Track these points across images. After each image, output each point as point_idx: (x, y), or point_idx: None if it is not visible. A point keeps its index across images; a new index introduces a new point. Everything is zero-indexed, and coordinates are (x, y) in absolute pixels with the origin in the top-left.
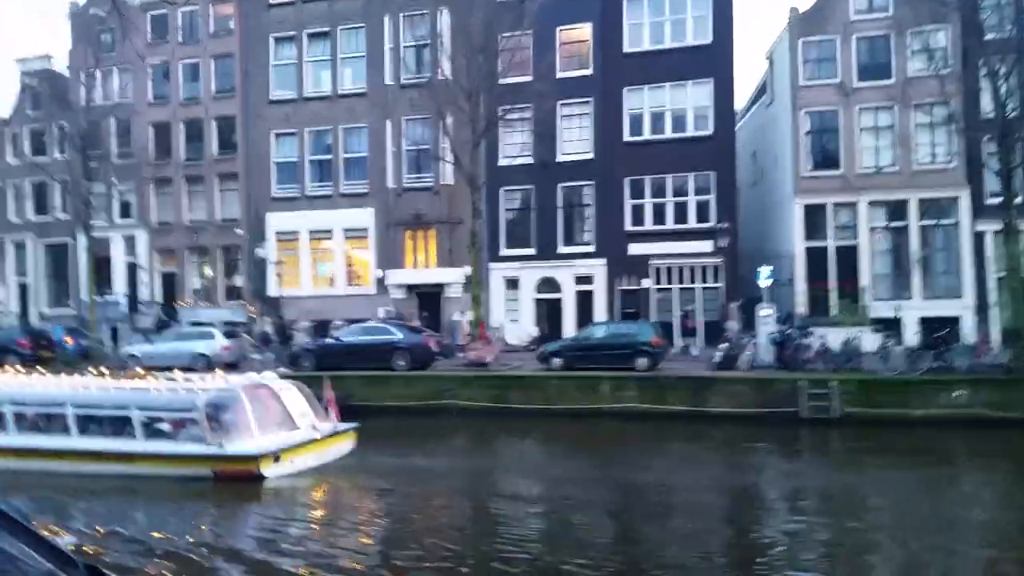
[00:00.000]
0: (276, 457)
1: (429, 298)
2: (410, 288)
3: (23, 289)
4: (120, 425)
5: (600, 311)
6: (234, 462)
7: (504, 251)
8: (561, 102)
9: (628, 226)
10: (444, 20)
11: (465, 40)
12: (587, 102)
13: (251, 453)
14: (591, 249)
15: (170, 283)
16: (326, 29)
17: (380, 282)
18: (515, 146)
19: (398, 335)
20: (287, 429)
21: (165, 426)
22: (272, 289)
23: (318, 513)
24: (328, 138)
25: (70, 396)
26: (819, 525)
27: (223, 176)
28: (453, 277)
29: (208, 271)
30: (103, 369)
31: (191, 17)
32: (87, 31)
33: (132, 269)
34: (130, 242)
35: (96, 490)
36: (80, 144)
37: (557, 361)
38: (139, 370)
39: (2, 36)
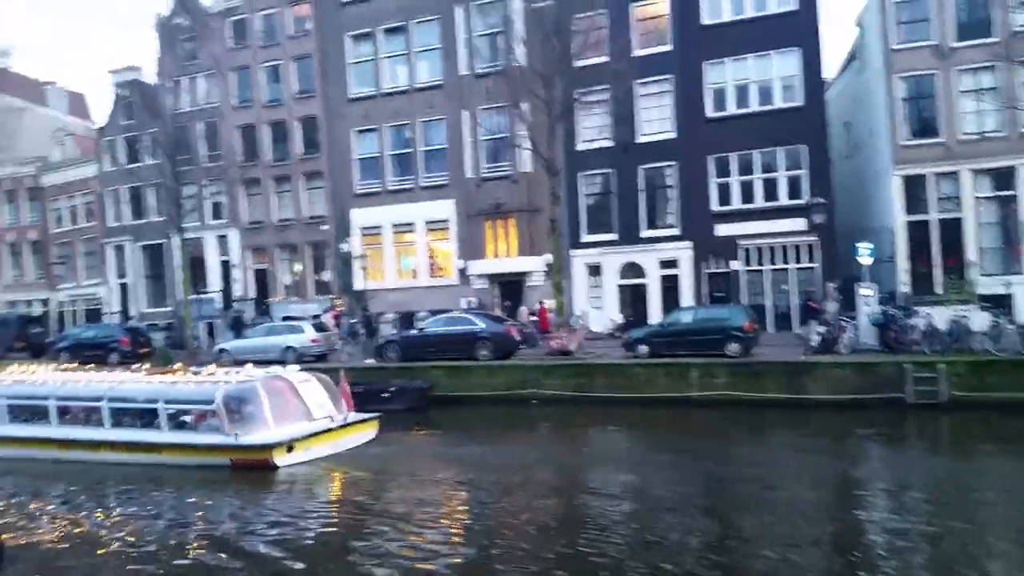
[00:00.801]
0: (289, 447)
1: (511, 287)
2: (492, 278)
3: (123, 289)
4: (150, 417)
5: (687, 296)
6: (249, 452)
7: (585, 237)
8: (639, 81)
9: (714, 206)
10: (516, 6)
11: (538, 24)
12: (666, 79)
13: (264, 443)
14: (675, 232)
15: (262, 279)
16: (400, 23)
17: (462, 273)
18: (593, 129)
19: (480, 325)
20: (303, 420)
21: (188, 418)
22: (358, 283)
23: (325, 501)
24: (407, 132)
25: (106, 391)
26: (929, 523)
27: (308, 175)
28: (534, 265)
29: (297, 267)
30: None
31: (270, 20)
32: (172, 40)
33: (226, 267)
34: (223, 241)
35: (125, 478)
36: (170, 149)
37: (643, 348)
38: (209, 366)
39: (99, 52)
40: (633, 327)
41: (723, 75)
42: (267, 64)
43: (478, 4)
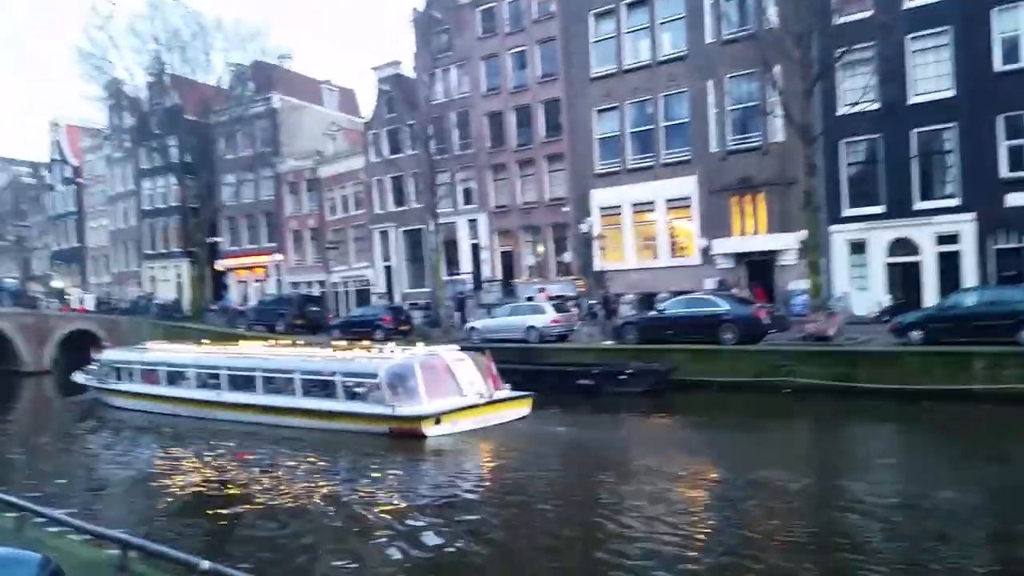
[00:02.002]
0: (437, 419)
1: (759, 267)
2: (738, 257)
3: (388, 271)
4: (331, 388)
5: (969, 275)
6: (403, 422)
7: (846, 211)
8: (911, 35)
9: (1004, 172)
10: None
11: None
12: (944, 31)
13: (416, 415)
14: (956, 203)
15: (508, 261)
16: None
17: (705, 252)
18: (855, 91)
19: (725, 307)
20: (454, 395)
21: (361, 389)
22: (597, 263)
23: (457, 466)
24: (648, 108)
25: (298, 364)
26: None
27: (551, 157)
28: (786, 243)
29: (540, 248)
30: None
31: (516, 6)
32: (427, 34)
33: (475, 250)
34: (473, 225)
35: (310, 441)
36: (426, 139)
37: (916, 334)
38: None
39: (368, 49)
40: (903, 310)
41: (1016, 22)
42: (514, 50)
43: None
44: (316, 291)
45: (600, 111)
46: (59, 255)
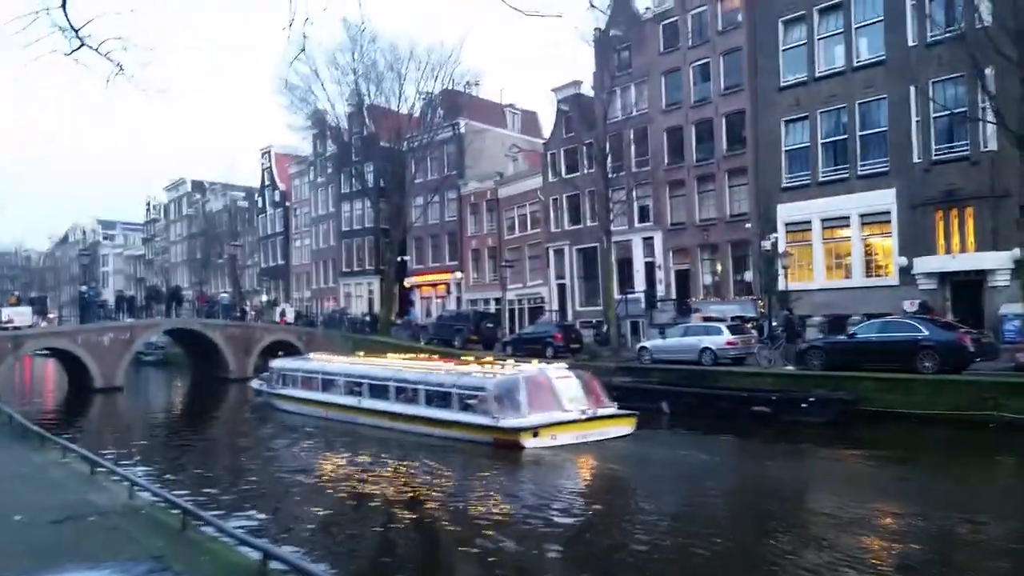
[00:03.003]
0: (535, 432)
1: (967, 288)
2: (942, 277)
3: (561, 289)
4: (448, 399)
5: None
6: (505, 433)
7: None
8: None
9: None
10: None
11: None
12: None
13: (515, 427)
14: None
15: (683, 280)
16: (838, 0)
17: (904, 271)
18: None
19: (924, 331)
20: (555, 410)
21: (472, 401)
22: (781, 283)
23: (544, 479)
24: (843, 117)
25: (422, 377)
26: None
27: (732, 172)
28: (998, 262)
29: (718, 267)
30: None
31: (700, 18)
32: (608, 52)
33: (650, 268)
34: (648, 243)
35: (430, 447)
36: (602, 157)
37: None
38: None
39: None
40: None
41: None
42: (696, 63)
43: None
44: (492, 308)
45: (789, 121)
46: (266, 272)
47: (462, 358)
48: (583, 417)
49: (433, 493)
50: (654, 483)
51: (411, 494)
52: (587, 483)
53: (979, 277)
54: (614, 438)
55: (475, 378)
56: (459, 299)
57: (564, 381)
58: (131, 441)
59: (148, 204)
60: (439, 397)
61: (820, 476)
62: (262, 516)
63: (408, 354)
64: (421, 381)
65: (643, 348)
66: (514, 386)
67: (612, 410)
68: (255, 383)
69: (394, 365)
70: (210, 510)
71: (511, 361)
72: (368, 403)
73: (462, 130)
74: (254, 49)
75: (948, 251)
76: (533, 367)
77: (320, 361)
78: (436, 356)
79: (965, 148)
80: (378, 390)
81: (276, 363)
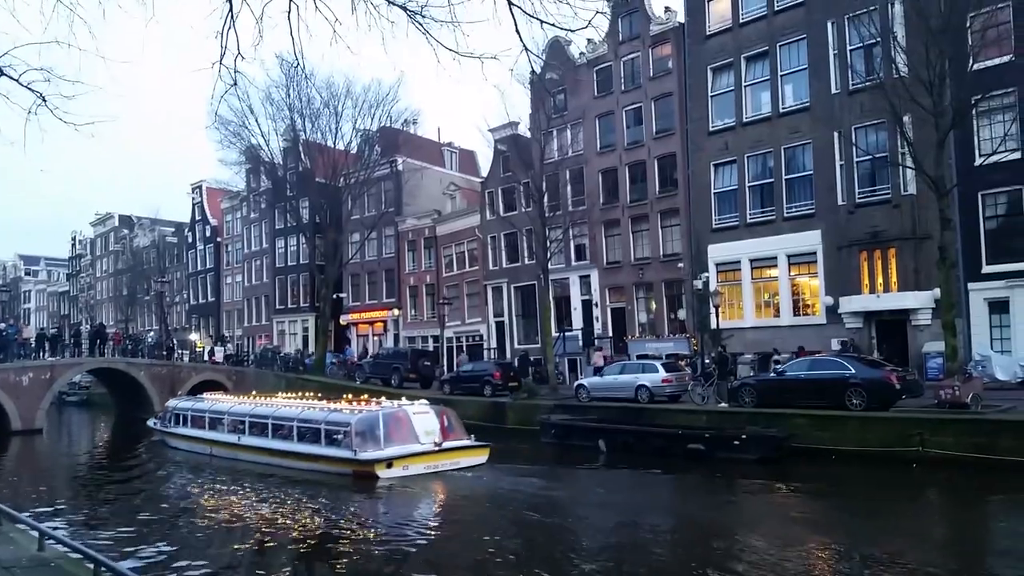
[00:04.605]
0: (389, 463)
1: (891, 327)
2: (867, 316)
3: (500, 327)
4: (317, 435)
5: None
6: (362, 464)
7: (987, 267)
8: None
9: None
10: (896, 11)
11: (922, 26)
12: None
13: (371, 458)
14: None
15: (620, 317)
16: (764, 48)
17: (831, 310)
18: (995, 140)
19: (851, 369)
20: (411, 443)
21: (338, 436)
22: (713, 321)
23: (391, 504)
24: (769, 160)
25: (296, 414)
26: None
27: (665, 213)
28: (920, 302)
29: (653, 305)
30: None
31: (632, 64)
32: (543, 95)
33: (587, 306)
34: (585, 281)
35: (300, 480)
36: (540, 196)
37: None
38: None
39: (481, 114)
40: None
41: None
42: (629, 107)
43: (851, 16)
44: (430, 345)
45: (718, 165)
46: (195, 309)
47: (383, 398)
48: (435, 448)
49: (297, 523)
50: (496, 510)
51: (280, 524)
52: (431, 509)
53: (903, 316)
54: (465, 468)
55: (341, 415)
56: (397, 336)
57: (421, 416)
58: (47, 486)
59: (73, 239)
60: (311, 433)
61: (749, 512)
62: (163, 558)
63: (344, 393)
64: (295, 418)
65: (580, 386)
66: (374, 422)
67: (464, 441)
68: (151, 421)
69: (275, 403)
70: (123, 557)
71: (384, 399)
72: (247, 440)
73: (400, 167)
74: (187, 81)
75: (873, 291)
76: (394, 405)
77: (210, 400)
78: (365, 396)
79: (887, 192)
80: (257, 427)
81: (171, 403)
